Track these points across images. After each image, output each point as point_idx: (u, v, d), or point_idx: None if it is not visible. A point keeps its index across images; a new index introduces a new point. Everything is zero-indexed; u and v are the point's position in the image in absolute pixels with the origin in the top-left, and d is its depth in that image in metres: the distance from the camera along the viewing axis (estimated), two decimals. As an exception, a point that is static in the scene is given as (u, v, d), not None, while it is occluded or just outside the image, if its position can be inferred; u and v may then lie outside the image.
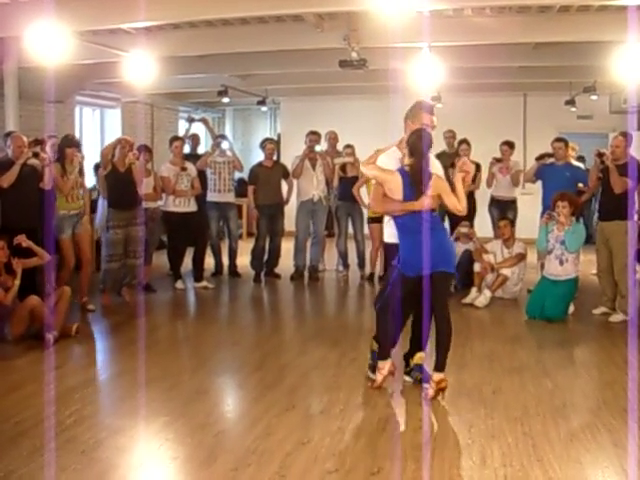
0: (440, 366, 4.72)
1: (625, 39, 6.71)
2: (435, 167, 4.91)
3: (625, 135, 7.14)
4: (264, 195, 9.24)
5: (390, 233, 4.98)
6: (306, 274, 9.50)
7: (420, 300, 4.71)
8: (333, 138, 9.87)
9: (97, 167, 8.07)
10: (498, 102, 13.19)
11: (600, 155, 7.11)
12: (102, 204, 8.52)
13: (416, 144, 4.67)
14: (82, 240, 7.43)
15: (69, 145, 7.32)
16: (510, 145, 9.44)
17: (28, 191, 6.82)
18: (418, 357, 5.02)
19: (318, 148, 9.37)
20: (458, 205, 4.74)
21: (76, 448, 3.87)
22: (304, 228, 9.46)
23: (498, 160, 9.37)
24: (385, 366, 4.90)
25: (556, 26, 7.35)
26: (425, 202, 4.64)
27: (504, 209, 9.27)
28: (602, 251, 7.27)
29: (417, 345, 5.03)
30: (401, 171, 4.74)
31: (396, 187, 4.70)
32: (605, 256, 7.20)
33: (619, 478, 3.56)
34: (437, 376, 4.71)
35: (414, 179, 4.66)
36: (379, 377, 4.91)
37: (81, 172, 7.47)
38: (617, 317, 6.98)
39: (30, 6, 6.46)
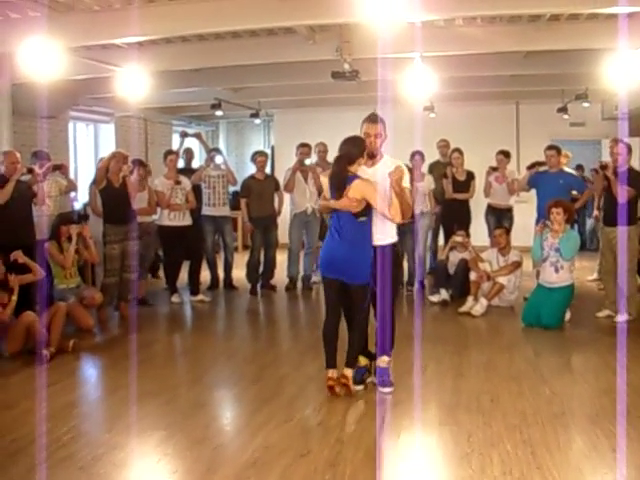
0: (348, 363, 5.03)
1: (615, 46, 6.76)
2: (380, 172, 4.92)
3: (624, 142, 7.21)
4: (258, 207, 9.25)
5: (377, 238, 4.99)
6: (299, 285, 9.52)
7: (343, 305, 5.05)
8: (322, 151, 9.61)
9: (94, 182, 8.00)
10: (491, 111, 13.26)
11: (603, 167, 7.28)
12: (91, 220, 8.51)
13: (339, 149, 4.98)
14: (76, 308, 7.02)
15: (63, 223, 7.26)
16: (505, 154, 9.47)
17: (22, 208, 6.83)
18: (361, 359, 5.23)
19: (308, 161, 9.36)
20: (386, 212, 4.83)
21: (74, 464, 3.84)
22: (297, 240, 9.48)
23: (494, 169, 9.41)
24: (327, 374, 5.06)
25: (547, 35, 7.39)
26: (342, 202, 4.84)
27: (500, 217, 9.32)
28: (607, 254, 7.35)
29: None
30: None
31: (325, 189, 5.08)
32: (610, 259, 7.27)
33: (619, 484, 3.56)
34: (346, 371, 5.01)
35: (330, 180, 4.99)
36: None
37: (84, 243, 7.35)
38: (622, 317, 7.07)
39: (22, 22, 6.48)
